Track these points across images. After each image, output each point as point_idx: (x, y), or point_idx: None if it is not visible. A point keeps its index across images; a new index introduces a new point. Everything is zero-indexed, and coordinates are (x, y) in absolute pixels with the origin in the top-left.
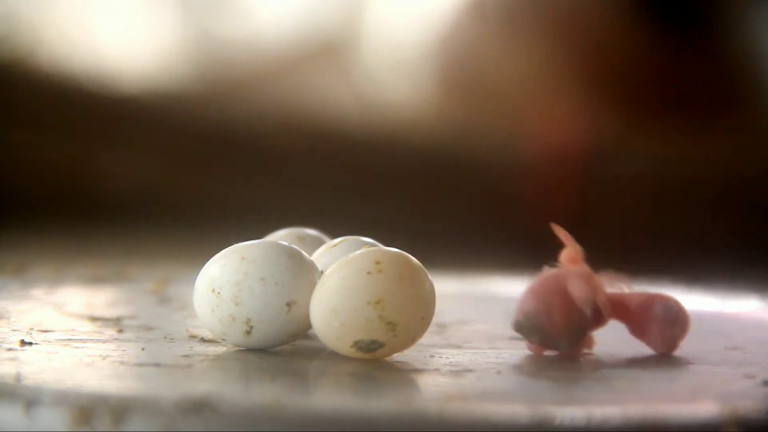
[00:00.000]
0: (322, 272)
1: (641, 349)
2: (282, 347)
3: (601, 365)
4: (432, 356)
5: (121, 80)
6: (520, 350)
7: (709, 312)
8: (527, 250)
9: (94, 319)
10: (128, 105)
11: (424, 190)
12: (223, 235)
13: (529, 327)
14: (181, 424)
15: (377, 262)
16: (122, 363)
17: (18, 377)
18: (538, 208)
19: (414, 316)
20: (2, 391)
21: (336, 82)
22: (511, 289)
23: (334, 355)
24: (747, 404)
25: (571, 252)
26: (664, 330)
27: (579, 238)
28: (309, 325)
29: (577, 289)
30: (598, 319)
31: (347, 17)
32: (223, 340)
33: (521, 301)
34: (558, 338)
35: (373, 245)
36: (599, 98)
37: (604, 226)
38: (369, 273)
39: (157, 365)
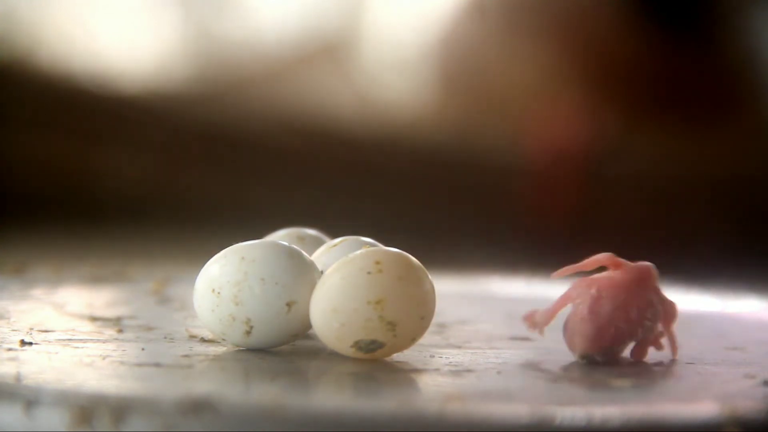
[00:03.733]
0: (322, 272)
1: None
2: (282, 347)
3: (601, 365)
4: (432, 356)
5: (121, 80)
6: (520, 350)
7: (709, 312)
8: (527, 250)
9: (94, 319)
10: (128, 105)
11: (424, 190)
12: (223, 235)
13: (600, 359)
14: (181, 424)
15: (377, 262)
16: (122, 363)
17: (18, 377)
18: (538, 208)
19: (414, 316)
20: (2, 391)
21: (336, 82)
22: (511, 289)
23: (334, 355)
24: (747, 404)
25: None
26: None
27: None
28: (309, 325)
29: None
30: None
31: (347, 17)
32: (223, 340)
33: (586, 328)
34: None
35: (373, 245)
36: (600, 98)
37: (604, 226)
38: (369, 273)
39: (157, 365)
